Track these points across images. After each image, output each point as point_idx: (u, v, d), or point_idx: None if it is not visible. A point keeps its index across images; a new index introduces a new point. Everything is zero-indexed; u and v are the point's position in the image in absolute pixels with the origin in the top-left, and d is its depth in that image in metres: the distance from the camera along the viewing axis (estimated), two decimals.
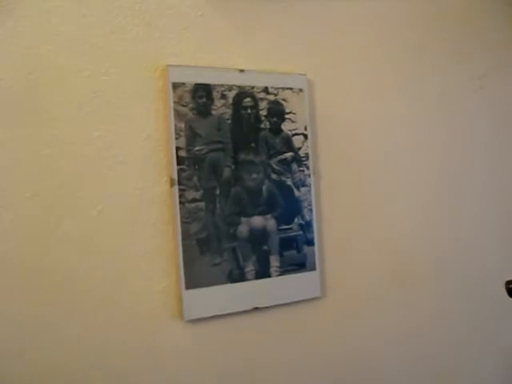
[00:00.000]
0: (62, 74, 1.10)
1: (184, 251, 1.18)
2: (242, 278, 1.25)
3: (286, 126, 1.34)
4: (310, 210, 1.37)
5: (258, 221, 1.29)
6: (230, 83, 1.27)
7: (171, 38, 1.22)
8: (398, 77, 1.57)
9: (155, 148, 1.19)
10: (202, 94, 1.23)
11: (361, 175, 1.49)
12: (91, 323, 1.11)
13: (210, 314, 1.22)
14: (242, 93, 1.28)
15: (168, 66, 1.19)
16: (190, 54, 1.24)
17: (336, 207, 1.43)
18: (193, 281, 1.19)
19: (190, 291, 1.18)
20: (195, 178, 1.21)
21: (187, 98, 1.21)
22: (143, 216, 1.17)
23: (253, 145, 1.29)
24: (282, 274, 1.31)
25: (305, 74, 1.38)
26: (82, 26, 1.12)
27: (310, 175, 1.37)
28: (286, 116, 1.34)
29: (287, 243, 1.33)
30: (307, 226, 1.36)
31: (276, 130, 1.33)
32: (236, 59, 1.29)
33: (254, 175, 1.29)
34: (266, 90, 1.31)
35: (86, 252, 1.11)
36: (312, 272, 1.36)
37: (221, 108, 1.25)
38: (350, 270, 1.46)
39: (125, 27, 1.16)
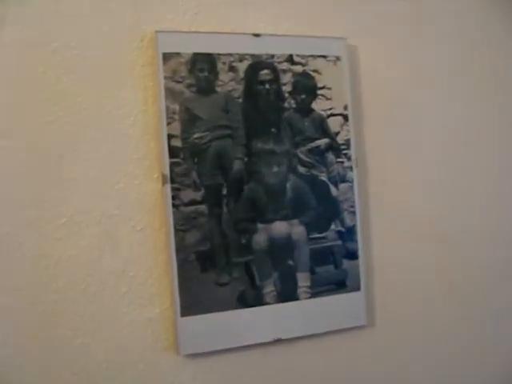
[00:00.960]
0: (18, 50, 0.88)
1: (179, 267, 0.93)
2: (258, 301, 0.99)
3: (318, 105, 1.07)
4: (353, 213, 1.09)
5: (280, 227, 1.02)
6: (242, 52, 1.00)
7: None
8: (461, 46, 1.24)
9: (143, 136, 0.95)
10: (203, 66, 0.97)
11: (418, 167, 1.18)
12: (66, 359, 0.89)
13: (213, 348, 0.96)
14: (258, 63, 1.01)
15: (157, 32, 0.94)
16: (185, 17, 0.98)
17: (387, 208, 1.14)
18: (191, 305, 0.94)
19: (188, 319, 0.93)
20: (194, 174, 0.96)
21: (183, 71, 0.95)
22: (127, 223, 0.93)
23: (273, 130, 1.03)
24: (313, 296, 1.04)
25: (345, 38, 1.09)
26: None
27: (351, 168, 1.09)
28: (319, 92, 1.07)
29: (321, 256, 1.06)
30: (348, 234, 1.08)
31: (305, 111, 1.06)
32: (249, 20, 1.02)
33: (275, 169, 1.02)
34: (290, 58, 1.04)
35: (52, 267, 0.88)
36: (355, 293, 1.08)
37: (229, 84, 0.99)
38: (407, 291, 1.15)
39: None
